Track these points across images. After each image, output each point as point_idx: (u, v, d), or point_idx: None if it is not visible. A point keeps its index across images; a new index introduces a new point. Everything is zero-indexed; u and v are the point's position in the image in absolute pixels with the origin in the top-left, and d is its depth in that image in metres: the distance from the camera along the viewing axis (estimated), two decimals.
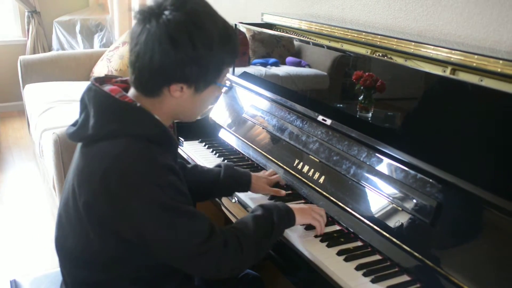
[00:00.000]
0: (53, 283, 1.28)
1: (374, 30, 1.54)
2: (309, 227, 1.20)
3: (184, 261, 0.98)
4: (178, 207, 0.94)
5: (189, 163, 1.65)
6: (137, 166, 0.92)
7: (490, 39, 1.32)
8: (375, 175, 1.20)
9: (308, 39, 1.68)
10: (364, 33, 1.44)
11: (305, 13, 2.10)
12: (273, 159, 1.51)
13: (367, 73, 1.31)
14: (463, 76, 1.19)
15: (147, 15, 0.92)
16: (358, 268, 1.06)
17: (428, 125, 1.17)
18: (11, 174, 3.25)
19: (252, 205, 1.34)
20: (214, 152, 1.69)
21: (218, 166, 1.37)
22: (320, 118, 1.43)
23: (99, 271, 1.04)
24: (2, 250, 2.38)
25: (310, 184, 1.35)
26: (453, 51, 1.18)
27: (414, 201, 1.08)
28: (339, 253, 1.11)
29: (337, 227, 1.22)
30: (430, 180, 1.08)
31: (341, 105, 1.47)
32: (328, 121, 1.40)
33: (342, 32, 1.53)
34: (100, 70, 3.59)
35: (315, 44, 1.58)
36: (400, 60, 1.35)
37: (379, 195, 1.17)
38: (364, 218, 1.17)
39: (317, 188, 1.32)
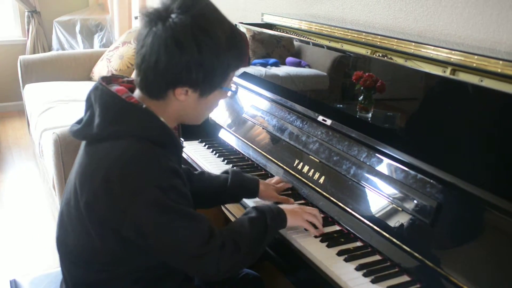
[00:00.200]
0: (53, 283, 1.28)
1: (374, 30, 1.54)
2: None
3: (183, 262, 0.99)
4: (179, 210, 0.94)
5: (189, 163, 1.66)
6: (140, 167, 0.92)
7: (490, 40, 1.33)
8: (375, 176, 1.20)
9: (308, 40, 1.68)
10: (364, 34, 1.44)
11: (305, 13, 2.10)
12: (273, 159, 1.51)
13: (367, 74, 1.31)
14: (463, 77, 1.19)
15: (153, 18, 0.92)
16: (358, 268, 1.06)
17: (428, 125, 1.17)
18: (11, 174, 3.25)
19: (250, 203, 1.33)
20: (214, 152, 1.69)
21: (226, 172, 1.35)
22: (320, 118, 1.43)
23: (100, 271, 1.04)
24: (1, 250, 2.38)
25: (310, 184, 1.35)
26: (453, 52, 1.18)
27: (414, 201, 1.09)
28: (339, 254, 1.11)
29: (337, 227, 1.22)
30: (430, 181, 1.08)
31: (341, 106, 1.47)
32: (328, 121, 1.40)
33: (342, 33, 1.53)
34: (100, 70, 3.59)
35: (315, 45, 1.58)
36: (400, 61, 1.35)
37: (379, 196, 1.17)
38: (364, 218, 1.17)
39: (317, 189, 1.32)
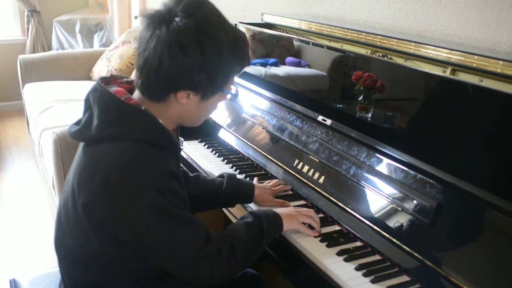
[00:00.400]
0: (52, 283, 1.28)
1: (374, 30, 1.54)
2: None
3: (179, 266, 0.99)
4: (177, 213, 0.94)
5: (189, 163, 1.66)
6: (138, 169, 0.92)
7: (490, 40, 1.33)
8: (375, 175, 1.20)
9: (308, 39, 1.68)
10: (364, 33, 1.44)
11: (305, 13, 2.10)
12: (273, 159, 1.51)
13: (367, 74, 1.31)
14: (463, 77, 1.19)
15: (157, 20, 0.92)
16: (358, 268, 1.06)
17: (428, 125, 1.17)
18: (11, 173, 3.25)
19: (253, 206, 1.33)
20: (214, 152, 1.69)
21: (221, 176, 1.35)
22: (320, 118, 1.43)
23: (98, 272, 1.04)
24: (1, 250, 2.38)
25: (310, 184, 1.35)
26: (453, 52, 1.18)
27: (414, 201, 1.09)
28: (339, 253, 1.11)
29: (337, 227, 1.22)
30: (430, 181, 1.08)
31: (341, 105, 1.47)
32: (328, 121, 1.40)
33: (342, 32, 1.53)
34: (99, 69, 3.59)
35: (315, 44, 1.58)
36: (400, 61, 1.35)
37: (379, 195, 1.17)
38: (364, 218, 1.17)
39: (317, 188, 1.32)
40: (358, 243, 1.16)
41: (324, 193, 1.30)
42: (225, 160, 1.62)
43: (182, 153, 1.72)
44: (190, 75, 0.93)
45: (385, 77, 1.28)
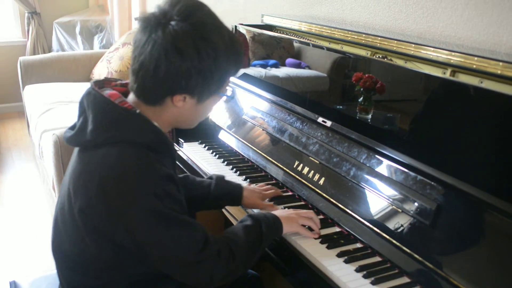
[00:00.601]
0: (52, 285, 1.28)
1: (374, 31, 1.54)
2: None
3: (178, 270, 0.98)
4: (174, 217, 0.94)
5: (189, 165, 1.66)
6: (135, 174, 0.92)
7: (490, 41, 1.33)
8: (375, 177, 1.20)
9: (308, 41, 1.69)
10: (364, 35, 1.45)
11: (305, 14, 2.10)
12: (273, 161, 1.51)
13: (367, 75, 1.31)
14: (463, 78, 1.19)
15: (153, 24, 0.91)
16: (358, 270, 1.06)
17: (428, 126, 1.17)
18: (11, 175, 3.25)
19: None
20: (214, 153, 1.69)
21: (210, 178, 1.34)
22: (320, 119, 1.43)
23: (96, 276, 1.03)
24: (1, 251, 2.38)
25: (310, 185, 1.35)
26: (453, 53, 1.18)
27: (414, 203, 1.08)
28: (339, 255, 1.11)
29: (337, 229, 1.22)
30: (430, 182, 1.08)
31: (341, 107, 1.47)
32: (328, 123, 1.40)
33: (342, 34, 1.53)
34: (100, 71, 3.59)
35: (315, 46, 1.59)
36: (400, 62, 1.35)
37: (379, 197, 1.17)
38: (364, 219, 1.17)
39: (317, 190, 1.32)
40: (358, 245, 1.16)
41: (324, 195, 1.30)
42: (225, 162, 1.62)
43: (182, 155, 1.72)
44: (186, 79, 0.93)
45: (385, 79, 1.28)
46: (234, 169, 1.56)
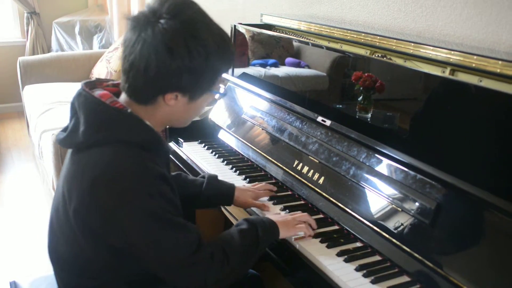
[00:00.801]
0: (52, 285, 1.27)
1: (373, 30, 1.54)
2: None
3: (170, 272, 0.97)
4: (167, 218, 0.93)
5: (188, 165, 1.66)
6: (128, 174, 0.91)
7: (489, 40, 1.33)
8: (375, 176, 1.20)
9: (307, 40, 1.69)
10: (363, 34, 1.44)
11: (304, 14, 2.10)
12: (273, 160, 1.51)
13: (366, 74, 1.31)
14: (462, 77, 1.19)
15: (142, 23, 0.91)
16: (358, 269, 1.06)
17: (427, 125, 1.17)
18: (11, 175, 3.25)
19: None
20: (214, 153, 1.69)
21: (203, 177, 1.34)
22: (319, 119, 1.43)
23: (93, 277, 1.03)
24: (1, 252, 2.38)
25: (310, 185, 1.35)
26: (452, 52, 1.18)
27: (414, 202, 1.09)
28: (339, 254, 1.11)
29: (337, 228, 1.22)
30: (430, 181, 1.08)
31: (340, 106, 1.47)
32: (328, 122, 1.40)
33: (341, 33, 1.53)
34: (99, 71, 3.59)
35: (314, 45, 1.58)
36: (399, 61, 1.35)
37: (378, 196, 1.17)
38: (364, 219, 1.17)
39: (316, 189, 1.32)
40: (358, 244, 1.16)
41: (324, 194, 1.30)
42: (225, 162, 1.62)
43: (182, 154, 1.72)
44: (177, 77, 0.92)
45: (384, 78, 1.28)
46: (234, 168, 1.56)
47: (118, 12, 4.11)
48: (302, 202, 1.35)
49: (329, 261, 1.08)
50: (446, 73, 1.22)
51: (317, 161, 1.37)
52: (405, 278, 1.04)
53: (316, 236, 1.18)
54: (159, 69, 0.91)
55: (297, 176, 1.40)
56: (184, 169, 1.67)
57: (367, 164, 1.23)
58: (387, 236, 1.10)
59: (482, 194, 0.98)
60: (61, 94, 3.22)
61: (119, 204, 0.90)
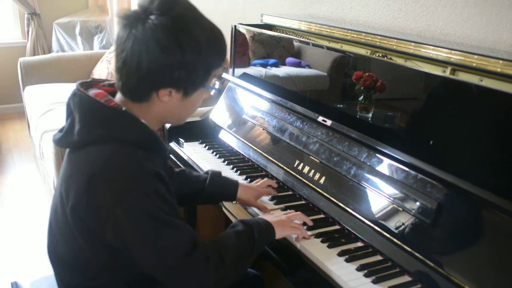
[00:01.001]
0: (53, 286, 1.27)
1: (373, 30, 1.54)
2: (309, 228, 1.20)
3: (165, 273, 0.96)
4: (162, 217, 0.92)
5: (189, 165, 1.66)
6: (123, 172, 0.91)
7: (489, 39, 1.33)
8: (376, 176, 1.20)
9: (308, 40, 1.69)
10: (363, 34, 1.44)
11: (304, 13, 2.10)
12: (274, 160, 1.51)
13: (367, 74, 1.31)
14: (463, 76, 1.19)
15: (132, 20, 0.91)
16: (359, 268, 1.06)
17: (428, 125, 1.17)
18: (12, 176, 3.25)
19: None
20: (215, 153, 1.69)
21: (207, 173, 1.34)
22: (320, 119, 1.43)
23: (93, 278, 1.03)
24: (2, 252, 2.38)
25: (311, 185, 1.35)
26: (452, 51, 1.18)
27: (415, 201, 1.08)
28: (340, 254, 1.11)
29: (338, 228, 1.22)
30: (431, 181, 1.08)
31: (341, 106, 1.47)
32: (328, 122, 1.40)
33: (341, 33, 1.53)
34: (100, 71, 3.60)
35: (314, 45, 1.58)
36: (400, 61, 1.35)
37: (379, 196, 1.17)
38: (365, 218, 1.17)
39: (317, 189, 1.32)
40: (359, 244, 1.16)
41: (325, 194, 1.30)
42: (226, 162, 1.62)
43: (182, 154, 1.72)
44: (169, 73, 0.92)
45: (385, 77, 1.28)
46: (235, 168, 1.56)
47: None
48: (303, 202, 1.35)
49: (330, 261, 1.08)
50: (447, 72, 1.22)
51: (318, 161, 1.37)
52: (406, 278, 1.04)
53: (317, 236, 1.18)
54: (151, 65, 0.91)
55: (298, 176, 1.40)
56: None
57: (368, 164, 1.23)
58: (388, 236, 1.10)
59: (483, 194, 0.97)
60: (61, 95, 3.22)
61: (115, 202, 0.90)
